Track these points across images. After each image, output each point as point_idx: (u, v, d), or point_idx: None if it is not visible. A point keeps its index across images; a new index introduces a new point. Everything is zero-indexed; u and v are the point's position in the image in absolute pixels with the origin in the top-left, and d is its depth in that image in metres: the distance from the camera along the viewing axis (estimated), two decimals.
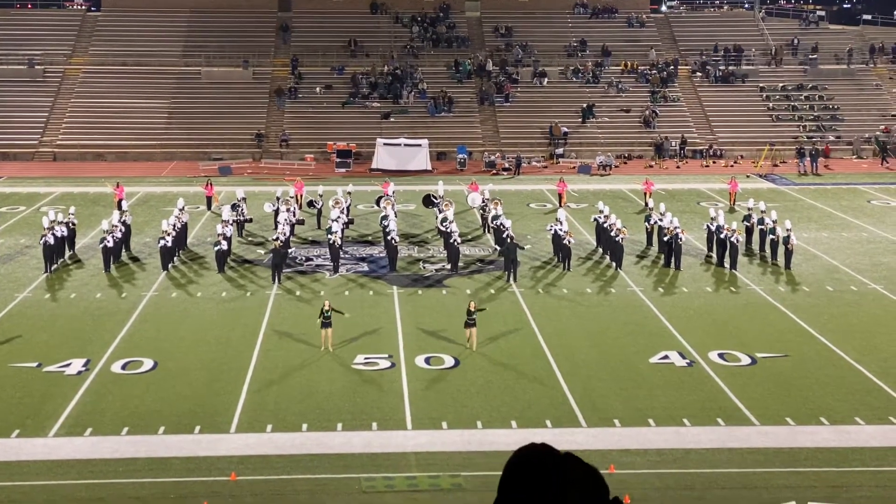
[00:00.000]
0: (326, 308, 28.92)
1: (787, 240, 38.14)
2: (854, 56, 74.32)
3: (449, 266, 38.21)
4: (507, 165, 61.31)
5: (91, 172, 59.46)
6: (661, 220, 40.43)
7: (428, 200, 47.74)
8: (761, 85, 72.16)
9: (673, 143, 65.60)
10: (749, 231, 41.38)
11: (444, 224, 40.57)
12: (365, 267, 38.69)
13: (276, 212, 42.96)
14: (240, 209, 43.87)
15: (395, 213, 43.56)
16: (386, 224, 40.44)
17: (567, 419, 24.42)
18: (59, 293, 35.00)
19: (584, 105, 68.51)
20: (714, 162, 64.23)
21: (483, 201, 45.92)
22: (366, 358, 28.46)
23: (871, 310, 32.01)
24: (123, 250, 39.96)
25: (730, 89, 72.28)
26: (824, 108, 70.48)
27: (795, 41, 75.59)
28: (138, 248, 41.17)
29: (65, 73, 70.61)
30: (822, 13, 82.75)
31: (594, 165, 61.38)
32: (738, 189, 50.50)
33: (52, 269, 37.60)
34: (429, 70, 71.94)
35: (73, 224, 40.75)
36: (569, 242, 38.11)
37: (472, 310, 28.99)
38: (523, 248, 38.27)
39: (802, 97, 71.24)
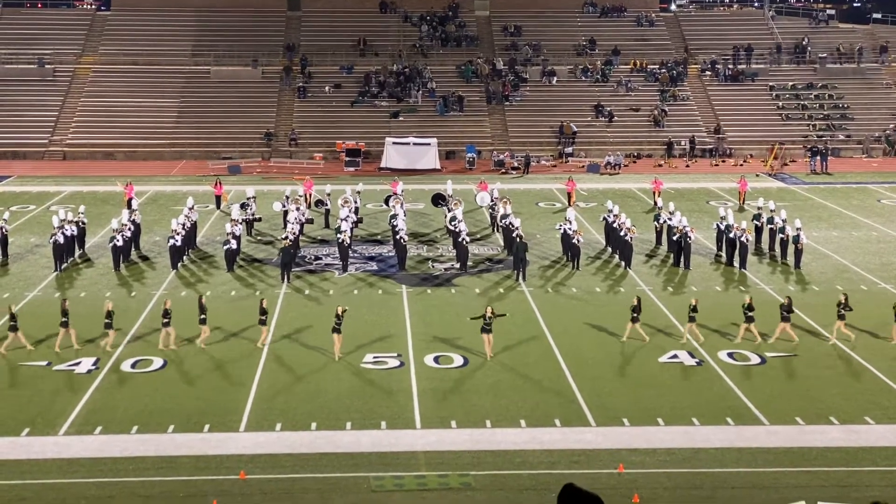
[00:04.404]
0: (339, 312, 28.37)
1: (796, 239, 38.05)
2: (864, 55, 74.13)
3: (458, 265, 38.21)
4: (515, 164, 61.29)
5: (101, 171, 59.65)
6: (670, 219, 40.39)
7: (437, 199, 47.77)
8: (771, 84, 72.00)
9: (682, 142, 65.51)
10: (758, 230, 41.29)
11: (452, 223, 40.58)
12: (374, 266, 38.69)
13: (286, 211, 43.02)
14: (249, 208, 43.94)
15: (405, 212, 43.56)
16: (395, 223, 40.45)
17: (576, 418, 24.40)
18: (68, 292, 35.05)
19: (602, 106, 68.49)
20: (723, 161, 64.13)
21: (492, 200, 45.92)
22: (375, 357, 28.47)
23: (880, 309, 31.88)
24: (133, 249, 40.03)
25: (739, 88, 72.14)
26: (834, 107, 70.31)
27: (805, 40, 75.40)
28: (148, 247, 41.25)
29: (75, 72, 70.79)
30: (832, 12, 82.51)
31: (603, 164, 61.33)
32: (748, 188, 50.42)
33: (62, 267, 37.71)
34: (438, 69, 71.96)
35: (83, 223, 40.83)
36: (578, 241, 38.07)
37: (490, 316, 28.25)
38: (527, 246, 37.68)
39: (812, 96, 71.07)
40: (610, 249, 40.44)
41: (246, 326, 30.99)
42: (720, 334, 30.38)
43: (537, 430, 23.64)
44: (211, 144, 65.19)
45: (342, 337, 28.37)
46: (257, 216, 44.18)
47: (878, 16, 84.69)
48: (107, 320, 28.92)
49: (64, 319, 28.90)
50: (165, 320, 29.00)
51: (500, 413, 24.67)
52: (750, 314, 29.62)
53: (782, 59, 74.20)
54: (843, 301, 29.96)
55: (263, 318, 29.37)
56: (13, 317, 28.81)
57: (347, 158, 61.54)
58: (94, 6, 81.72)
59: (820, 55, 73.64)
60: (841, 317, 29.72)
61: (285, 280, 36.00)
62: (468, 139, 64.66)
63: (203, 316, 29.24)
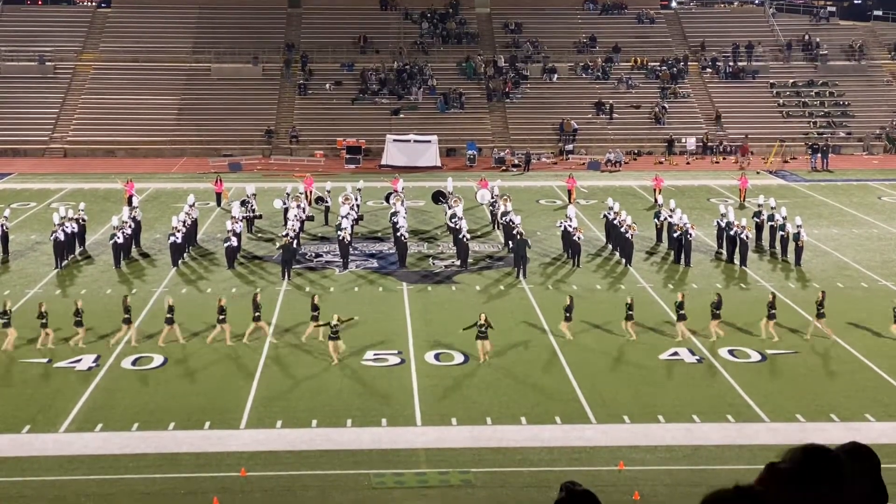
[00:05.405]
0: (334, 322, 27.88)
1: (797, 236, 38.05)
2: (865, 52, 74.07)
3: (458, 262, 38.22)
4: (516, 162, 61.28)
5: (101, 169, 59.65)
6: (670, 216, 40.38)
7: (437, 197, 47.77)
8: (771, 81, 71.98)
9: (682, 140, 65.46)
10: (759, 227, 41.28)
11: (453, 220, 40.59)
12: (374, 263, 38.70)
13: (286, 208, 43.04)
14: (249, 205, 43.94)
15: (405, 209, 43.56)
16: (395, 220, 40.45)
17: (577, 415, 24.41)
18: (69, 289, 35.09)
19: (605, 103, 68.46)
20: (724, 158, 64.11)
21: (492, 198, 45.92)
22: (375, 354, 28.47)
23: (881, 306, 31.89)
24: (133, 247, 40.04)
25: (740, 85, 72.11)
26: (835, 105, 70.29)
27: (806, 37, 75.36)
28: (148, 244, 41.26)
29: (75, 69, 70.78)
30: (833, 9, 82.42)
31: (603, 162, 61.32)
32: (749, 185, 50.43)
33: (63, 265, 37.72)
34: (438, 66, 71.94)
35: (84, 220, 40.85)
36: (578, 239, 38.07)
37: (483, 322, 27.92)
38: (528, 244, 37.54)
39: (813, 93, 71.05)
40: (610, 247, 40.44)
41: (246, 324, 30.93)
42: (719, 331, 30.36)
43: (538, 428, 23.66)
44: (211, 142, 65.19)
45: (340, 343, 27.91)
46: (258, 213, 44.18)
47: (879, 13, 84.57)
48: (168, 315, 29.07)
49: (126, 316, 29.07)
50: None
51: (501, 410, 24.68)
52: (682, 312, 29.57)
53: (783, 57, 74.11)
54: (771, 300, 29.85)
55: (316, 314, 29.33)
56: (78, 312, 28.99)
57: (348, 156, 61.53)
58: (94, 3, 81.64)
59: (821, 52, 73.59)
60: (771, 316, 29.59)
61: (286, 277, 36.02)
62: (469, 136, 64.65)
63: (258, 313, 29.24)
